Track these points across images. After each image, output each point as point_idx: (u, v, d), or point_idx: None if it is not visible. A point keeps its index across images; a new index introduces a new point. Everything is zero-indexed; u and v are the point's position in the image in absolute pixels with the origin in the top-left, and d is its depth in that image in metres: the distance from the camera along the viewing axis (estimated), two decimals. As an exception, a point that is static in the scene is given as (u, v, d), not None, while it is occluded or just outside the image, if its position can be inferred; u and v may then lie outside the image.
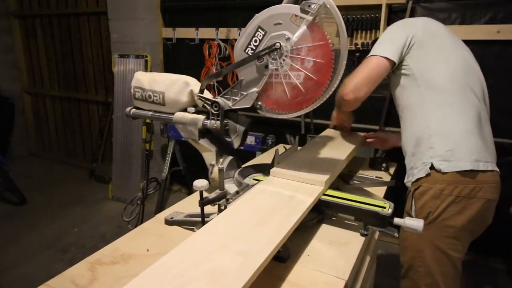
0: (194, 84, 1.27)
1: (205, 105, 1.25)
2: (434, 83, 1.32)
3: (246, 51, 1.14)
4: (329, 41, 1.04)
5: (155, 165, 3.57)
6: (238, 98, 1.21)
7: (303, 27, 1.05)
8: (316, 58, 1.06)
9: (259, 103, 1.18)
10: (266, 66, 1.12)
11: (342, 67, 1.04)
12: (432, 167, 1.27)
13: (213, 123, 1.23)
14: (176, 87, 1.28)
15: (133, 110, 1.41)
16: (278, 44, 1.08)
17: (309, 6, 1.03)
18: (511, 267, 2.43)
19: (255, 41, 1.12)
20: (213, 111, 1.23)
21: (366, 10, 2.47)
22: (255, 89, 1.17)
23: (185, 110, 1.30)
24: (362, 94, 1.33)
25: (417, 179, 1.32)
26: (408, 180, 1.38)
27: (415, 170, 1.33)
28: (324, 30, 1.04)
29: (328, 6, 1.02)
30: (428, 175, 1.28)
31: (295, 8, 1.05)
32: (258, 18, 1.10)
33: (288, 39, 1.07)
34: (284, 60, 1.09)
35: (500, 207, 1.38)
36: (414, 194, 1.32)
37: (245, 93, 1.19)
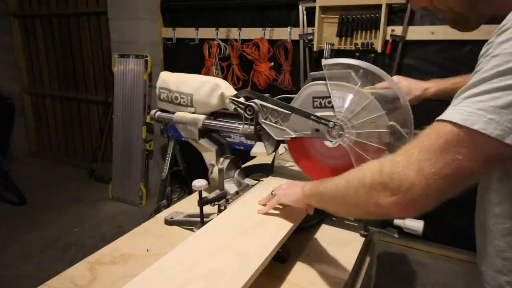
0: (225, 87, 1.21)
1: (238, 108, 1.17)
2: None
3: (314, 100, 1.02)
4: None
5: (155, 165, 3.57)
6: (272, 123, 1.12)
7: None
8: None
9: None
10: (317, 130, 1.02)
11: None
12: None
13: (246, 128, 1.15)
14: (205, 89, 1.22)
15: (158, 113, 1.34)
16: (337, 124, 0.98)
17: None
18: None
19: (329, 102, 0.99)
20: (246, 115, 1.14)
21: (366, 10, 2.47)
22: (292, 134, 1.07)
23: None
24: None
25: None
26: None
27: None
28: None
29: None
30: None
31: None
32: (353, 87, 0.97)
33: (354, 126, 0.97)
34: (344, 141, 0.99)
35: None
36: None
37: (281, 127, 1.09)
